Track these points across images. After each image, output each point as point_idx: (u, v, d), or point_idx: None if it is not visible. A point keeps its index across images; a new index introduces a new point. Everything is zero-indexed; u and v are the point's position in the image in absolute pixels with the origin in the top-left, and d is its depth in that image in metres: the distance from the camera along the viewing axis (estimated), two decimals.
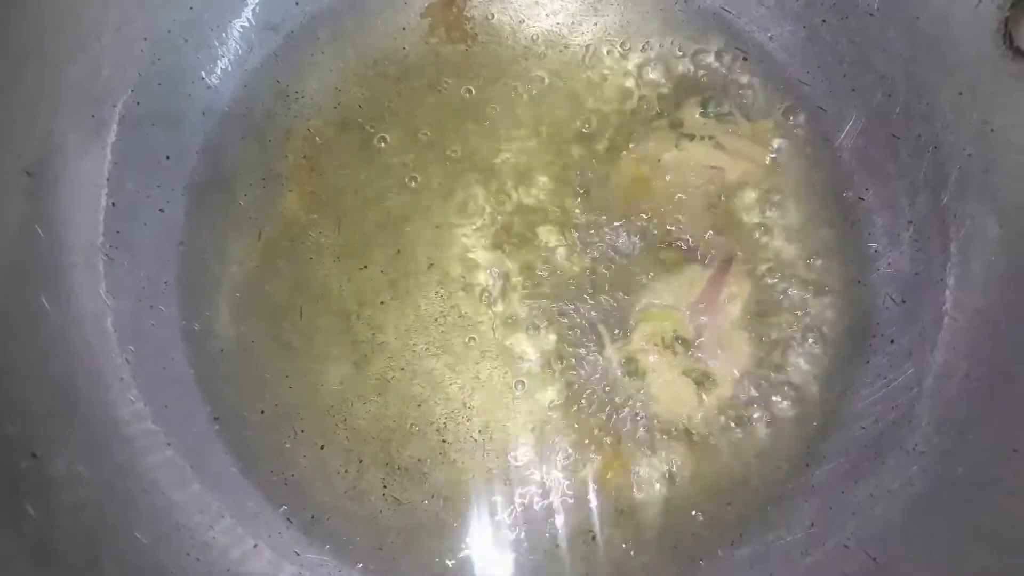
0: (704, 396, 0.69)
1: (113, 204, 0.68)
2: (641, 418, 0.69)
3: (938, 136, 0.69)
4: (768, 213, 0.74)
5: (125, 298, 0.68)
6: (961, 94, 0.67)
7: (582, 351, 0.70)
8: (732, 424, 0.69)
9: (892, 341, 0.70)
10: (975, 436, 0.62)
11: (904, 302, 0.70)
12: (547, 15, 0.78)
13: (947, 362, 0.67)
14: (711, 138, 0.74)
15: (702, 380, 0.70)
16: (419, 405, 0.70)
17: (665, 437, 0.68)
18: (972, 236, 0.67)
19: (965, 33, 0.66)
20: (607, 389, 0.69)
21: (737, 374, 0.70)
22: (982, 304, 0.66)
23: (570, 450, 0.68)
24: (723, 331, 0.71)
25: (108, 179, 0.68)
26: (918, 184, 0.71)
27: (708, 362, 0.70)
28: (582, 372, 0.69)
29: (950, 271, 0.68)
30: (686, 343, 0.70)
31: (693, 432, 0.69)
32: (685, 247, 0.72)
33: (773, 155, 0.75)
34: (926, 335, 0.68)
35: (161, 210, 0.72)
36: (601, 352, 0.70)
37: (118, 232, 0.68)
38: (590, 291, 0.71)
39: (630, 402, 0.69)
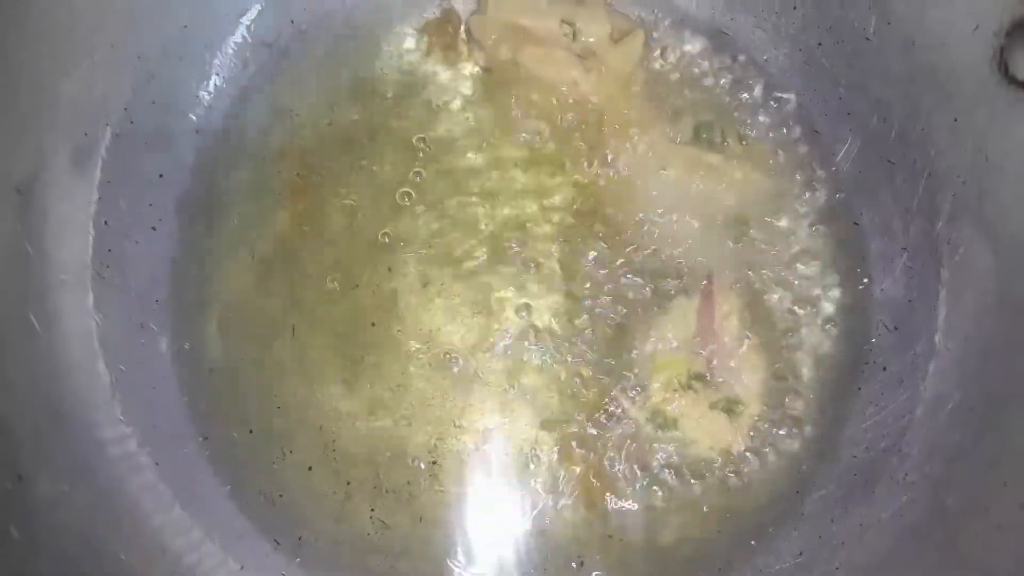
0: (738, 421, 0.69)
1: (105, 223, 0.68)
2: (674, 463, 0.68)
3: (933, 162, 0.69)
4: (756, 234, 0.73)
5: (115, 317, 0.68)
6: (956, 120, 0.67)
7: (605, 420, 0.69)
8: (769, 443, 0.69)
9: (884, 368, 0.70)
10: (965, 466, 0.62)
11: (897, 329, 0.70)
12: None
13: (939, 391, 0.66)
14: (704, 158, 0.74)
15: (731, 407, 0.69)
16: (409, 426, 0.70)
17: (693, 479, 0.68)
18: (965, 264, 0.67)
19: (961, 59, 0.66)
20: (645, 448, 0.68)
21: (759, 388, 0.70)
22: (975, 333, 0.66)
23: (561, 476, 0.68)
24: (731, 351, 0.71)
25: (99, 198, 0.68)
26: (912, 210, 0.70)
27: (729, 388, 0.70)
28: (611, 443, 0.69)
29: (943, 299, 0.68)
30: (702, 378, 0.70)
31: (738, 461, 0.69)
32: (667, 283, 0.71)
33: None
34: (918, 363, 0.68)
35: (153, 228, 0.71)
36: (625, 417, 0.69)
37: (109, 251, 0.68)
38: (593, 354, 0.70)
39: (671, 456, 0.68)
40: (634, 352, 0.70)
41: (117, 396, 0.66)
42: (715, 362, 0.70)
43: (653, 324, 0.70)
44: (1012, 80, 0.64)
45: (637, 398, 0.69)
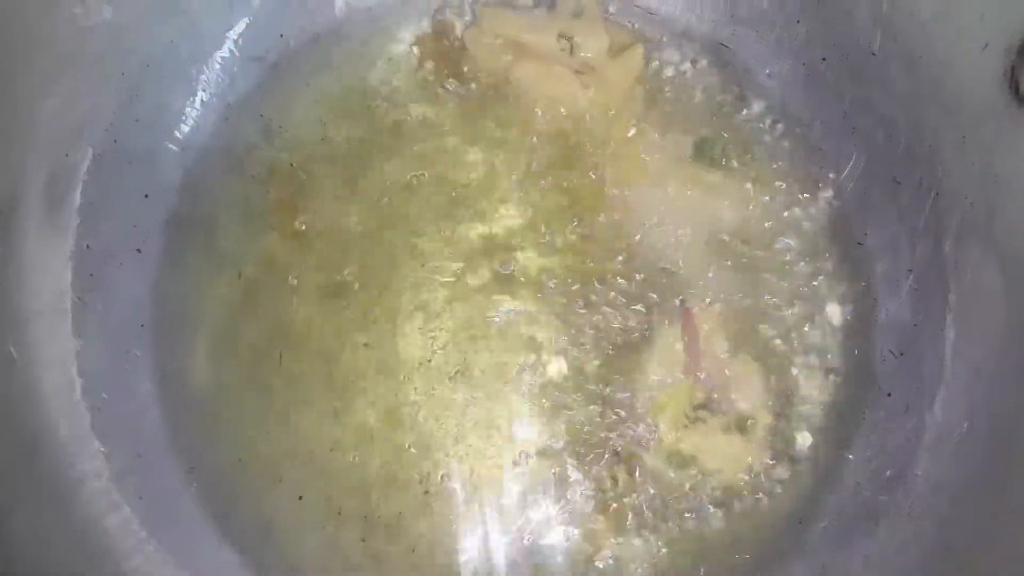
0: (753, 436, 0.67)
1: (87, 246, 0.66)
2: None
3: (940, 181, 0.67)
4: (758, 253, 0.71)
5: (97, 343, 0.65)
6: (964, 139, 0.65)
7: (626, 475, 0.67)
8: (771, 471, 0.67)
9: (889, 394, 0.68)
10: (973, 500, 0.60)
11: (902, 354, 0.68)
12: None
13: (946, 419, 0.64)
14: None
15: (743, 425, 0.67)
16: (401, 454, 0.68)
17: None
18: (973, 287, 0.65)
19: (969, 77, 0.64)
20: (670, 498, 0.66)
21: (762, 398, 0.68)
22: (983, 359, 0.64)
23: (561, 509, 0.66)
24: (725, 368, 0.69)
25: (81, 221, 0.66)
26: (919, 230, 0.68)
27: (733, 405, 0.68)
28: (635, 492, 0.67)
29: (950, 323, 0.66)
30: (706, 405, 0.68)
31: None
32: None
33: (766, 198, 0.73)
34: (924, 389, 0.66)
35: (138, 250, 0.69)
36: (646, 466, 0.67)
37: (91, 275, 0.66)
38: (597, 410, 0.68)
39: (696, 491, 0.66)
40: (634, 396, 0.67)
41: (97, 427, 0.64)
42: (715, 385, 0.68)
43: (643, 360, 0.67)
44: (1022, 99, 0.62)
45: (649, 444, 0.67)
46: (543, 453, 0.67)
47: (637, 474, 0.66)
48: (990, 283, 0.64)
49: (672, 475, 0.66)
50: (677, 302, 0.69)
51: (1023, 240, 0.62)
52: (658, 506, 0.66)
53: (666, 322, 0.69)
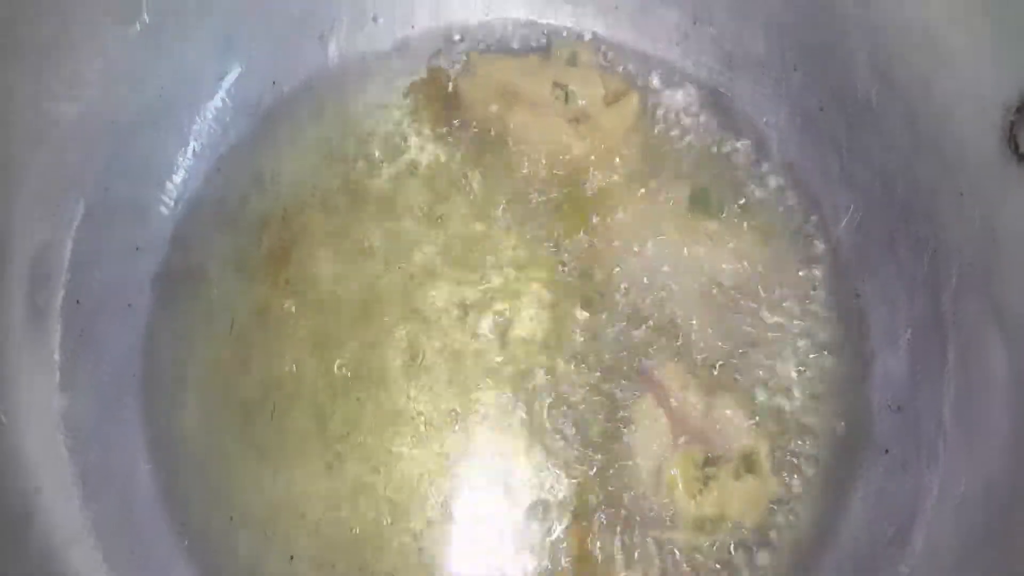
0: (761, 469, 0.67)
1: (77, 301, 0.66)
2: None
3: (938, 236, 0.66)
4: (753, 305, 0.71)
5: (87, 400, 0.65)
6: (962, 195, 0.64)
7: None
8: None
9: (887, 451, 0.67)
10: (974, 564, 0.59)
11: (900, 409, 0.68)
12: None
13: (945, 479, 0.64)
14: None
15: (750, 463, 0.67)
16: (395, 509, 0.67)
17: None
18: (972, 344, 0.64)
19: (968, 132, 0.63)
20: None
21: (753, 427, 0.67)
22: (984, 418, 0.63)
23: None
24: (709, 416, 0.68)
25: (71, 276, 0.65)
26: (917, 284, 0.68)
27: (732, 445, 0.67)
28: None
29: (949, 379, 0.65)
30: (710, 461, 0.67)
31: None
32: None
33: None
34: (923, 446, 0.65)
35: (129, 304, 0.69)
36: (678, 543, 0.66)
37: (81, 332, 0.66)
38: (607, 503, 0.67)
39: (736, 549, 0.66)
40: (637, 481, 0.66)
41: (87, 485, 0.63)
42: (711, 440, 0.67)
43: (634, 442, 0.67)
44: (1022, 158, 0.61)
45: (675, 521, 0.66)
46: (539, 510, 0.66)
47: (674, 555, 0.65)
48: (989, 342, 0.63)
49: (705, 541, 0.65)
50: (644, 367, 0.68)
51: (1022, 299, 0.62)
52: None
53: (639, 394, 0.68)
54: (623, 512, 0.66)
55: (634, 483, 0.66)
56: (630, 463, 0.67)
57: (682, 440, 0.67)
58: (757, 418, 0.68)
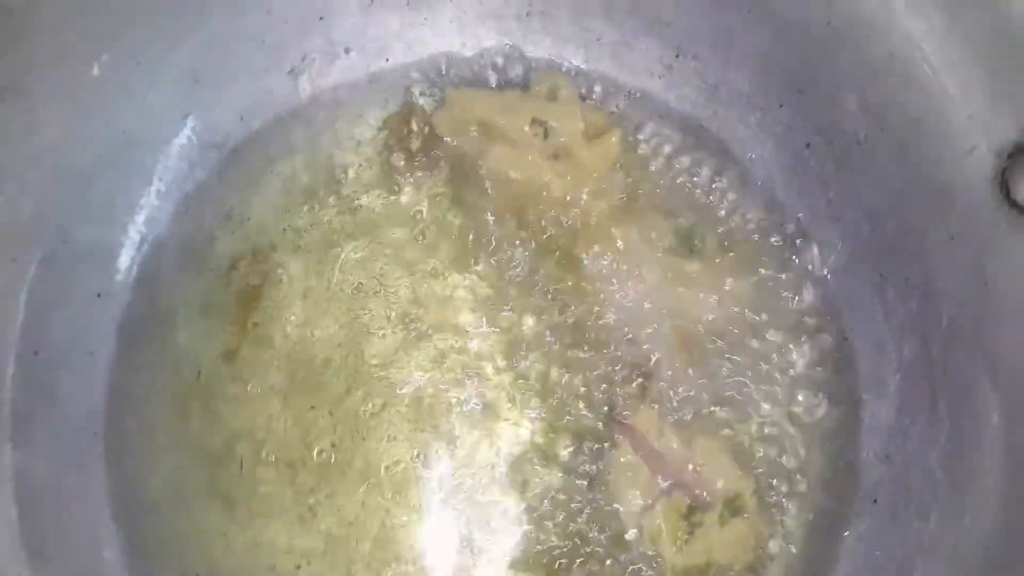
0: (749, 510, 0.65)
1: (35, 352, 0.63)
2: None
3: (927, 280, 0.64)
4: (737, 348, 0.69)
5: (46, 459, 0.62)
6: (953, 239, 0.62)
7: None
8: None
9: (875, 501, 0.65)
10: None
11: (888, 459, 0.66)
12: None
13: (936, 533, 0.62)
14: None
15: (734, 507, 0.65)
16: (369, 563, 0.65)
17: None
18: (964, 394, 0.62)
19: (959, 175, 0.61)
20: None
21: (734, 469, 0.66)
22: (975, 470, 0.61)
23: None
24: (689, 458, 0.66)
25: (27, 327, 0.62)
26: (906, 330, 0.66)
27: (716, 490, 0.65)
28: None
29: (939, 429, 0.63)
30: (695, 508, 0.65)
31: None
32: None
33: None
34: (912, 498, 0.63)
35: (91, 353, 0.66)
36: None
37: (40, 385, 0.63)
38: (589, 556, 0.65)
39: None
40: (629, 535, 0.64)
41: (47, 547, 0.60)
42: (688, 479, 0.65)
43: (616, 497, 0.65)
44: (1013, 204, 0.59)
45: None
46: (521, 570, 0.64)
47: None
48: (980, 391, 0.61)
49: None
50: (619, 414, 0.66)
51: (1014, 349, 0.59)
52: None
53: (616, 442, 0.66)
54: (607, 563, 0.64)
55: (616, 534, 0.65)
56: (611, 514, 0.65)
57: (664, 487, 0.65)
58: (739, 462, 0.66)
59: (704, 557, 0.64)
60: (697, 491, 0.65)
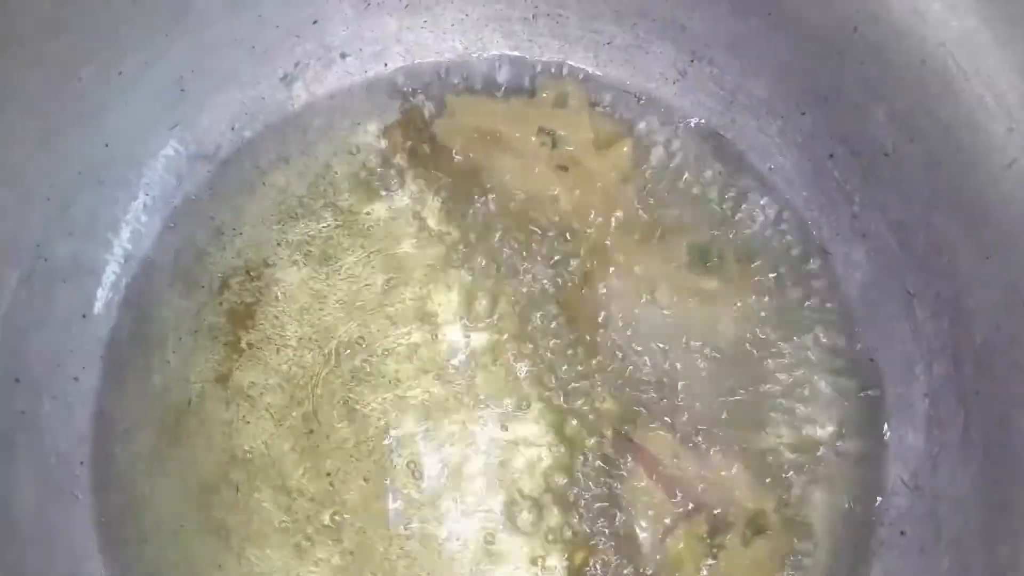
0: (773, 527, 0.62)
1: (16, 380, 0.60)
2: None
3: (959, 299, 0.61)
4: (755, 370, 0.65)
5: (28, 490, 0.59)
6: (988, 256, 0.59)
7: None
8: None
9: (902, 532, 0.62)
10: None
11: (917, 488, 0.62)
12: None
13: (965, 565, 0.59)
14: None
15: (757, 525, 0.62)
16: None
17: None
18: (998, 420, 0.59)
19: (994, 190, 0.58)
20: None
21: (756, 486, 0.63)
22: (1009, 502, 0.58)
23: None
24: (712, 487, 0.63)
25: (8, 352, 0.59)
26: (935, 351, 0.62)
27: (736, 509, 0.62)
28: None
29: (971, 457, 0.60)
30: (716, 528, 0.62)
31: None
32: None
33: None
34: (942, 530, 0.60)
35: (76, 378, 0.63)
36: None
37: (22, 412, 0.60)
38: None
39: None
40: (649, 563, 0.61)
41: None
42: (707, 499, 0.62)
43: (633, 524, 0.61)
44: None
45: None
46: None
47: None
48: (1017, 418, 0.58)
49: None
50: (631, 437, 0.63)
51: None
52: None
53: (629, 467, 0.63)
54: None
55: (637, 563, 0.61)
56: (629, 541, 0.62)
57: (682, 511, 0.62)
58: (759, 480, 0.63)
59: None
60: (717, 511, 0.62)
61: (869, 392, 0.65)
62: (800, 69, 0.64)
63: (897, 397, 0.64)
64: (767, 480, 0.63)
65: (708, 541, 0.62)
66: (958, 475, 0.60)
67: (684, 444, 0.63)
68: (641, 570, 0.61)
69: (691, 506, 0.62)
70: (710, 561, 0.61)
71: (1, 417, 0.59)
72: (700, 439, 0.64)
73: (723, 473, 0.63)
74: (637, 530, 0.62)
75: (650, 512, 0.62)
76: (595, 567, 0.61)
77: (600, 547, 0.62)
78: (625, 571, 0.61)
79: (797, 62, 0.64)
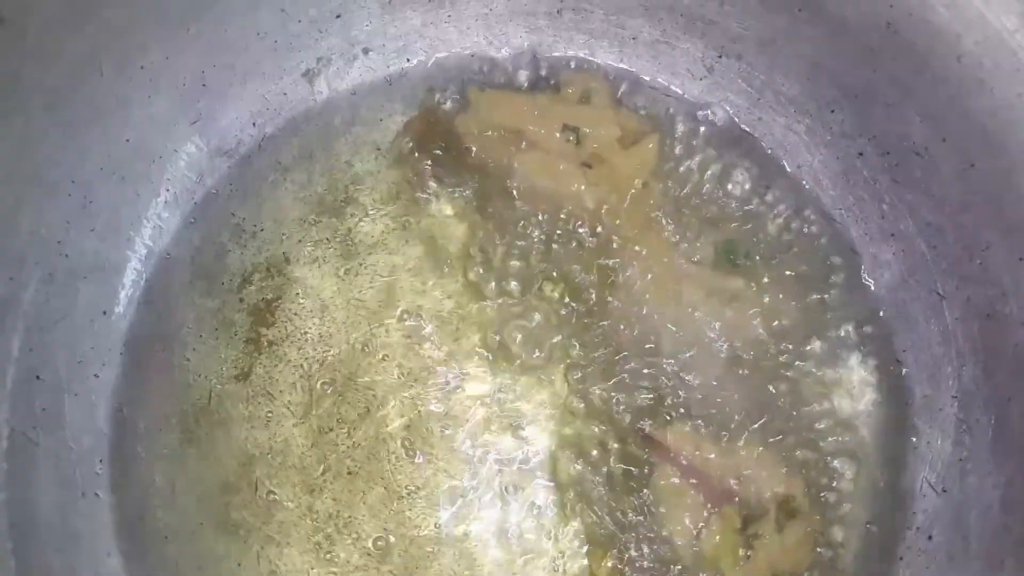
0: (804, 511, 0.61)
1: (38, 377, 0.59)
2: None
3: (992, 303, 0.60)
4: (782, 371, 0.64)
5: (47, 488, 0.59)
6: (1022, 260, 0.58)
7: None
8: None
9: (930, 537, 0.61)
10: None
11: (945, 492, 0.61)
12: None
13: (994, 574, 0.58)
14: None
15: (790, 509, 0.61)
16: None
17: None
18: None
19: None
20: None
21: (783, 471, 0.62)
22: None
23: None
24: (740, 477, 0.62)
25: (28, 348, 0.59)
26: (965, 354, 0.61)
27: (767, 495, 0.61)
28: None
29: (1002, 464, 0.59)
30: (750, 518, 0.61)
31: None
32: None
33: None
34: (971, 538, 0.59)
35: (96, 375, 0.63)
36: None
37: (43, 409, 0.59)
38: None
39: None
40: (686, 560, 0.60)
41: None
42: (737, 490, 0.61)
43: (666, 523, 0.61)
44: None
45: None
46: None
47: None
48: None
49: None
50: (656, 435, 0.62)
51: None
52: None
53: (654, 465, 0.62)
54: None
55: (672, 562, 0.61)
56: (663, 540, 0.61)
57: (712, 504, 0.61)
58: (786, 467, 0.62)
59: (768, 570, 0.61)
60: (747, 501, 0.61)
61: (895, 394, 0.64)
62: (830, 66, 0.63)
63: (925, 400, 0.63)
64: (793, 465, 0.62)
65: (743, 532, 0.61)
66: (988, 481, 0.59)
67: (708, 439, 0.62)
68: (678, 569, 0.61)
69: (722, 499, 0.61)
70: (747, 552, 0.60)
71: (23, 414, 0.58)
72: (724, 433, 0.63)
73: (748, 461, 0.62)
74: (670, 528, 0.61)
75: (681, 509, 0.61)
76: (627, 570, 0.61)
77: (633, 548, 0.61)
78: (661, 569, 0.60)
79: (828, 59, 0.63)
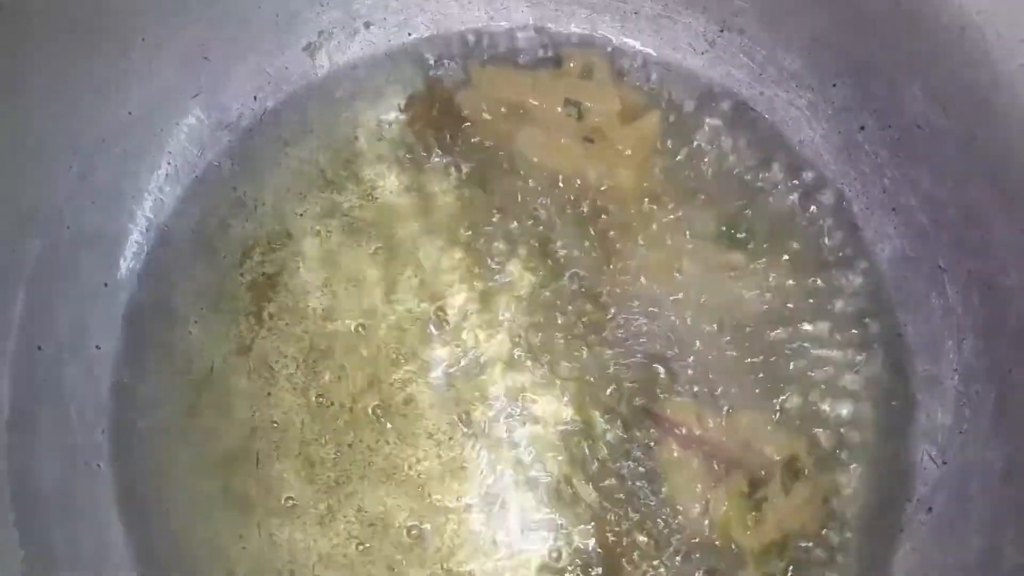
0: (809, 470, 0.62)
1: (39, 348, 0.59)
2: None
3: (993, 276, 0.60)
4: (783, 346, 0.64)
5: (49, 460, 0.59)
6: None
7: None
8: None
9: (930, 509, 0.61)
10: None
11: (945, 464, 0.62)
12: None
13: (995, 544, 0.58)
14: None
15: (797, 472, 0.61)
16: (394, 566, 0.61)
17: None
18: None
19: None
20: None
21: (789, 439, 0.62)
22: None
23: None
24: (743, 442, 0.62)
25: (29, 319, 0.59)
26: (965, 327, 0.61)
27: (772, 459, 0.62)
28: None
29: (1002, 435, 0.59)
30: (756, 484, 0.61)
31: None
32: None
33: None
34: (972, 507, 0.59)
35: (97, 347, 0.63)
36: None
37: (44, 381, 0.59)
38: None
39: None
40: (690, 534, 0.61)
41: (56, 554, 0.57)
42: (740, 456, 0.62)
43: (675, 496, 0.61)
44: None
45: (739, 562, 0.60)
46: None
47: None
48: None
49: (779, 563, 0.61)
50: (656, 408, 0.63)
51: None
52: None
53: (657, 438, 0.62)
54: (680, 564, 0.61)
55: (684, 533, 0.61)
56: (674, 512, 0.61)
57: (718, 472, 0.62)
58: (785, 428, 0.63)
59: (779, 531, 0.61)
60: (752, 466, 0.62)
61: (896, 366, 0.64)
62: (832, 39, 0.63)
63: (926, 372, 0.63)
64: (795, 431, 0.63)
65: (751, 496, 0.61)
66: (989, 455, 0.59)
67: (710, 410, 0.63)
68: (691, 539, 0.61)
69: (727, 466, 0.62)
70: (756, 516, 0.61)
71: (24, 386, 0.58)
72: (725, 405, 0.63)
73: (750, 426, 0.62)
74: (678, 499, 0.61)
75: (688, 480, 0.62)
76: (636, 542, 0.61)
77: (641, 521, 0.61)
78: (673, 540, 0.61)
79: (829, 32, 0.63)
